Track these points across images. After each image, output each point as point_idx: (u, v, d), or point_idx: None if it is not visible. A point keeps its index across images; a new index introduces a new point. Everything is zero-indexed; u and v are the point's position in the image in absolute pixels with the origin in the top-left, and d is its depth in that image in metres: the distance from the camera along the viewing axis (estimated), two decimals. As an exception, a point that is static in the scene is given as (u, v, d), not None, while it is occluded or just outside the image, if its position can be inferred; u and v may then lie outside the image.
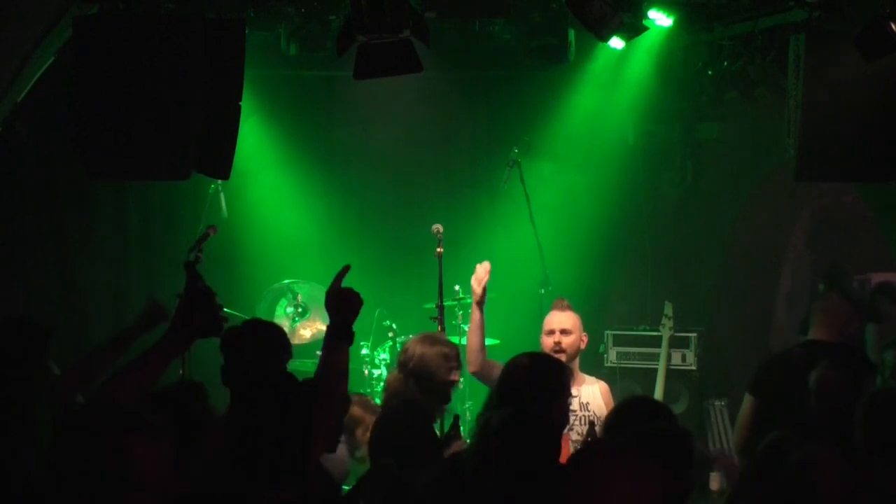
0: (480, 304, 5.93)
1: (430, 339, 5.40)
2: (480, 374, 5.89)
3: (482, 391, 6.23)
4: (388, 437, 5.17)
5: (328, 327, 4.04)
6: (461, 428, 5.20)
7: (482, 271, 5.95)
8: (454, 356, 5.30)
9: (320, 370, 3.90)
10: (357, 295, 4.07)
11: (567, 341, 5.93)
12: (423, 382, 5.22)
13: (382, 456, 5.00)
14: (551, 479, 3.50)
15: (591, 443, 3.62)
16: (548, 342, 5.95)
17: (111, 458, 2.58)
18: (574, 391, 5.45)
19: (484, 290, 5.92)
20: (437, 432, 5.45)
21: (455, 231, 7.86)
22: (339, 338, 3.97)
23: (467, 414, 7.47)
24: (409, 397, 5.23)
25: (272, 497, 3.23)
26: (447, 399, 5.29)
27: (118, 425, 2.63)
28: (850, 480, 3.30)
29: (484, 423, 3.84)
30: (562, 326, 5.96)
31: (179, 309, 3.46)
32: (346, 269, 4.14)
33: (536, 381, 4.47)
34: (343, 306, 4.04)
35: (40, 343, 4.50)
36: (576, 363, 5.98)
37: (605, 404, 5.97)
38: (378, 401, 7.62)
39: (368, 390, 7.94)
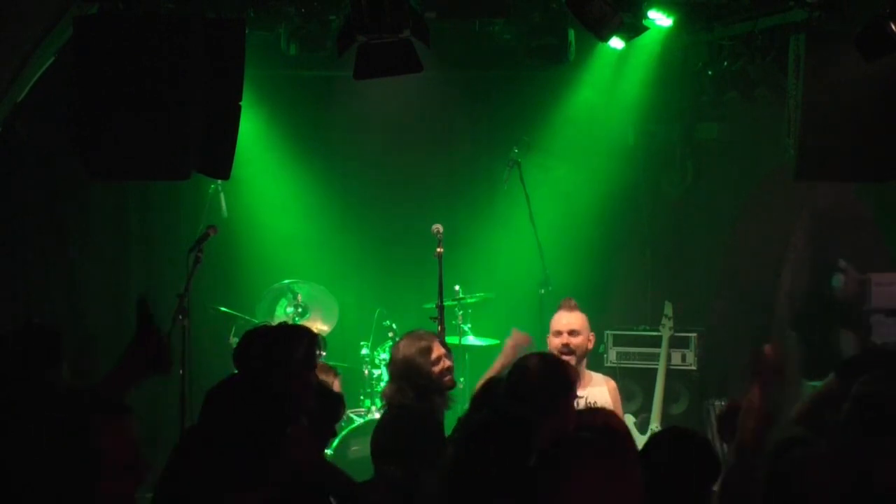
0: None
1: (410, 338, 5.40)
2: None
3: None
4: (389, 443, 5.16)
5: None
6: None
7: (523, 340, 5.91)
8: (437, 347, 5.31)
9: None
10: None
11: (575, 342, 5.91)
12: (411, 382, 5.22)
13: (386, 462, 5.01)
14: (526, 478, 3.51)
15: (564, 437, 3.62)
16: (556, 343, 5.91)
17: (75, 440, 2.61)
18: (580, 392, 5.45)
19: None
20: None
21: (455, 231, 7.86)
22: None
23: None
24: (405, 402, 5.22)
25: (239, 499, 3.25)
26: (442, 392, 5.27)
27: (81, 408, 2.66)
28: (842, 486, 3.28)
29: (462, 425, 3.87)
30: (570, 327, 5.93)
31: (130, 347, 3.45)
32: None
33: (542, 382, 4.47)
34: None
35: (49, 347, 4.51)
36: (583, 363, 5.97)
37: (614, 403, 5.92)
38: (378, 404, 7.64)
39: (368, 390, 7.95)
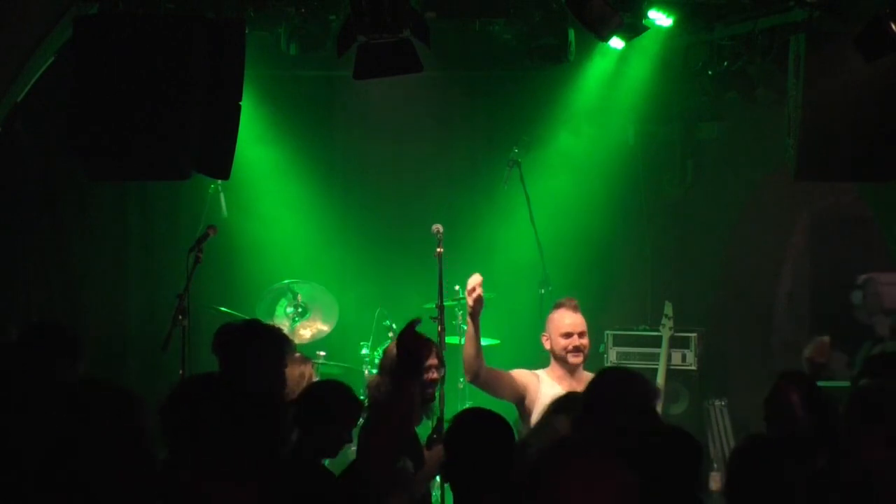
0: (474, 315, 5.81)
1: None
2: (479, 383, 5.84)
3: (482, 391, 6.22)
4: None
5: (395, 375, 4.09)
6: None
7: (473, 283, 5.83)
8: (430, 357, 5.28)
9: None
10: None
11: (585, 343, 5.88)
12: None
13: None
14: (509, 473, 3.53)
15: (559, 441, 3.64)
16: (565, 344, 5.84)
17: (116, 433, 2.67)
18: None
19: (477, 301, 5.80)
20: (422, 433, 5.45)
21: (455, 231, 7.85)
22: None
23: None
24: (380, 399, 5.20)
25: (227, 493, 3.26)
26: (421, 400, 5.24)
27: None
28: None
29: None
30: (580, 329, 5.90)
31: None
32: (417, 321, 4.10)
33: (626, 397, 4.37)
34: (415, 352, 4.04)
35: (68, 348, 4.54)
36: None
37: None
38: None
39: (368, 390, 7.94)
